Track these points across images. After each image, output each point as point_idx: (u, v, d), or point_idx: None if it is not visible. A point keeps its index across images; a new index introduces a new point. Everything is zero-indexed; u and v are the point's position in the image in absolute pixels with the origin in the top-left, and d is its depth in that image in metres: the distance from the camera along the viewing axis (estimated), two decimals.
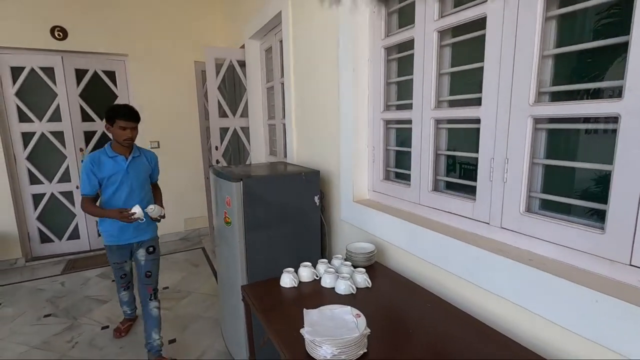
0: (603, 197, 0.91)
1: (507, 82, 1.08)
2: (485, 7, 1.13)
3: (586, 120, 0.96)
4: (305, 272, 1.42)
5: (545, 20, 0.99)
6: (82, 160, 1.58)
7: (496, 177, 1.15)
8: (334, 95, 1.90)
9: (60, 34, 3.50)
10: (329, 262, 1.52)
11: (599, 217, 0.95)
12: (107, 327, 2.53)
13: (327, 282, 1.37)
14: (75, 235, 3.93)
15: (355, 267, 1.48)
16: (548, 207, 1.08)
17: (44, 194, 3.74)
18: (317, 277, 1.43)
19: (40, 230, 3.78)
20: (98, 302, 2.89)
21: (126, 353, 2.22)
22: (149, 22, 3.84)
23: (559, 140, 1.11)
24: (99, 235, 4.03)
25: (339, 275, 1.36)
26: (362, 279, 1.35)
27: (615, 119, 0.87)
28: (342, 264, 1.46)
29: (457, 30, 1.32)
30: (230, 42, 3.89)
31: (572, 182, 1.10)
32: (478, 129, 1.21)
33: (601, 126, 0.95)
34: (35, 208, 3.73)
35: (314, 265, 1.48)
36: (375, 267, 1.54)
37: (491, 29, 1.12)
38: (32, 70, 3.52)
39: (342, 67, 1.78)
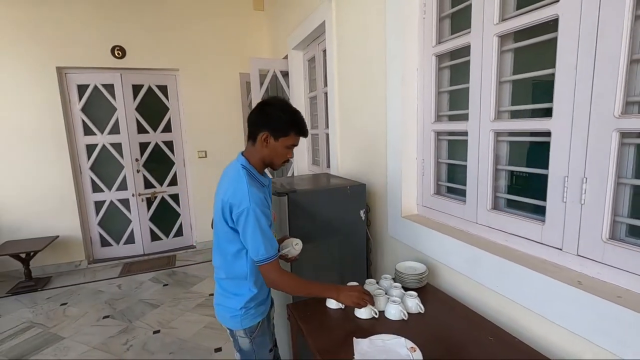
0: None
1: (585, 91, 0.95)
2: (557, 7, 1.00)
3: None
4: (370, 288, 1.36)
5: (635, 18, 0.86)
6: (247, 212, 1.15)
7: (571, 197, 1.01)
8: (381, 106, 1.83)
9: (120, 52, 3.77)
10: (377, 282, 1.44)
11: None
12: (159, 331, 2.64)
13: (376, 305, 1.29)
14: (130, 240, 4.18)
15: (405, 289, 1.39)
16: (638, 234, 0.93)
17: (104, 201, 4.03)
18: None
19: (100, 235, 4.07)
20: (150, 306, 3.03)
21: None
22: (199, 39, 4.02)
23: None
24: (152, 240, 4.25)
25: (389, 298, 1.28)
26: (414, 303, 1.26)
27: None
28: (392, 286, 1.38)
29: (520, 34, 1.20)
30: (274, 53, 3.96)
31: None
32: (546, 143, 1.08)
33: None
34: (97, 214, 4.02)
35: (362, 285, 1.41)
36: (427, 289, 1.44)
37: (565, 31, 0.99)
38: (95, 87, 3.82)
39: (390, 76, 1.70)
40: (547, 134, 1.07)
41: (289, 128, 1.24)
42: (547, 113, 1.08)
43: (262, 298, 1.34)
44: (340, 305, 1.31)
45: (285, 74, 3.51)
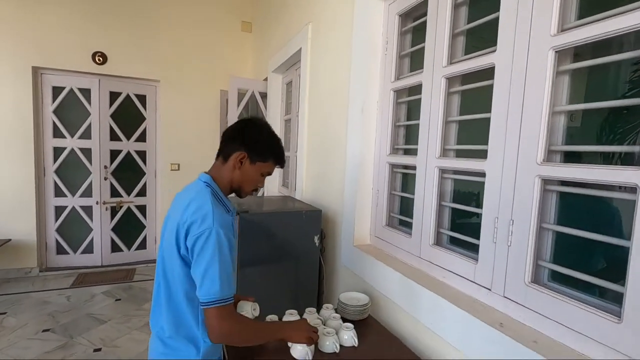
0: (622, 276, 0.78)
1: (514, 136, 0.99)
2: (494, 56, 1.06)
3: (604, 187, 0.84)
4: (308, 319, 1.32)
5: (556, 74, 0.91)
6: (207, 233, 0.95)
7: (500, 238, 1.03)
8: (342, 134, 1.86)
9: (101, 58, 3.75)
10: (318, 311, 1.41)
11: (617, 300, 0.81)
12: (100, 349, 2.49)
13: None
14: (89, 249, 4.01)
15: (346, 320, 1.37)
16: (560, 279, 0.95)
17: (65, 207, 3.88)
18: None
19: (57, 241, 3.89)
20: (97, 322, 2.86)
21: None
22: (183, 53, 4.05)
23: (575, 205, 0.99)
24: (111, 251, 4.09)
25: (324, 329, 1.25)
26: (349, 336, 1.23)
27: (633, 189, 0.75)
28: (331, 316, 1.35)
29: (467, 77, 1.26)
30: (256, 74, 4.02)
31: (589, 254, 0.97)
32: (483, 183, 1.11)
33: (618, 195, 0.83)
34: (56, 219, 3.86)
35: (300, 314, 1.37)
36: (368, 322, 1.41)
37: (499, 79, 1.05)
38: (71, 90, 3.77)
39: (351, 107, 1.74)
40: (484, 174, 1.11)
41: (270, 154, 1.12)
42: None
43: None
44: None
45: (264, 95, 3.56)
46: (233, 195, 1.20)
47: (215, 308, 0.94)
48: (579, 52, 0.92)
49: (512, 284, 1.00)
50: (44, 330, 2.69)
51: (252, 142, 1.10)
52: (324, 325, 1.30)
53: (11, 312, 2.97)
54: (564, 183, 0.93)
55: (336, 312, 1.42)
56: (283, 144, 1.20)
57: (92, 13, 3.68)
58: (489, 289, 1.07)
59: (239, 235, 1.64)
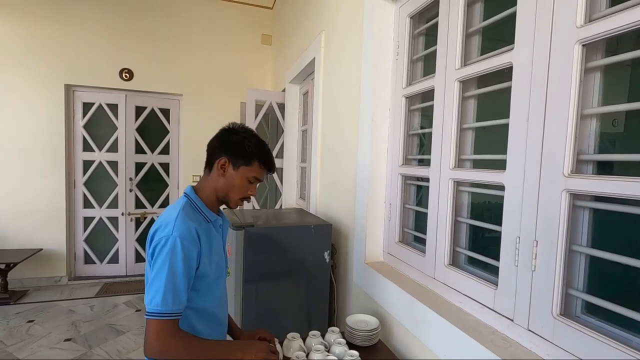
0: None
1: (536, 144, 0.86)
2: (512, 54, 0.95)
3: None
4: (293, 347, 1.22)
5: (584, 71, 0.78)
6: (164, 242, 0.92)
7: (522, 261, 0.90)
8: (353, 144, 1.77)
9: (127, 75, 3.90)
10: (323, 336, 1.30)
11: None
12: None
13: None
14: (114, 259, 4.11)
15: (353, 345, 1.26)
16: (596, 312, 0.80)
17: (93, 217, 4.01)
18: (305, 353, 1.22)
19: (85, 252, 4.02)
20: (116, 332, 2.89)
21: None
22: (206, 67, 4.14)
23: (612, 224, 0.84)
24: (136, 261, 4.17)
25: (327, 357, 1.14)
26: None
27: None
28: (336, 341, 1.25)
29: (484, 80, 1.14)
30: (275, 86, 4.03)
31: (632, 283, 0.82)
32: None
33: None
34: (84, 230, 3.99)
35: (304, 338, 1.27)
36: (376, 348, 1.29)
37: (518, 80, 0.92)
38: (100, 105, 3.93)
39: (362, 116, 1.65)
40: (503, 187, 0.98)
41: (253, 155, 1.05)
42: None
43: None
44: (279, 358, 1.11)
45: (282, 106, 3.54)
46: (239, 208, 1.13)
47: (156, 321, 0.88)
48: (614, 44, 0.78)
49: (537, 316, 0.86)
50: (65, 340, 2.75)
51: (233, 146, 1.06)
52: (328, 352, 1.20)
53: (38, 320, 3.06)
54: (598, 199, 0.79)
55: (343, 336, 1.31)
56: (270, 148, 1.13)
57: (119, 32, 3.85)
58: (511, 320, 0.93)
59: (244, 250, 1.57)
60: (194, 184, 1.12)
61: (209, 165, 1.09)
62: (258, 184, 1.14)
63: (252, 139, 1.08)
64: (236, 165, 1.05)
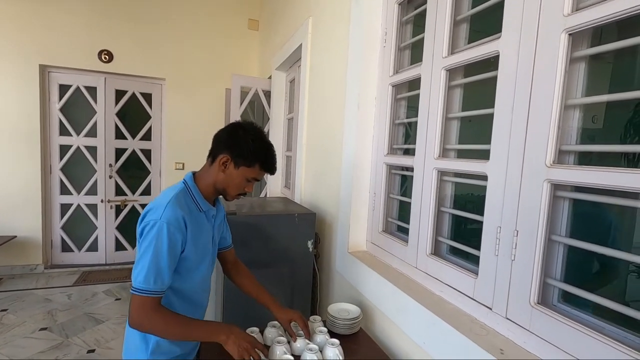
0: None
1: (519, 134, 0.86)
2: (498, 43, 0.93)
3: (628, 194, 0.71)
4: (270, 335, 1.21)
5: (570, 61, 0.78)
6: (152, 224, 0.96)
7: (502, 251, 0.90)
8: (339, 132, 1.75)
9: (107, 57, 3.75)
10: None
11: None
12: (94, 350, 2.44)
13: (294, 350, 1.15)
14: (93, 247, 4.01)
15: (334, 334, 1.25)
16: (573, 301, 0.81)
17: (71, 204, 3.89)
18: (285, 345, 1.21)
19: (62, 239, 3.90)
20: (94, 322, 2.83)
21: None
22: (190, 51, 4.01)
23: (591, 215, 0.85)
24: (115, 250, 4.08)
25: (307, 345, 1.14)
26: (334, 353, 1.12)
27: None
28: (317, 330, 1.24)
29: (471, 69, 1.13)
30: (261, 73, 3.95)
31: (608, 273, 0.83)
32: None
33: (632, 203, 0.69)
34: (62, 217, 3.87)
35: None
36: (358, 336, 1.30)
37: (504, 69, 0.92)
38: (77, 88, 3.77)
39: (348, 104, 1.63)
40: (486, 177, 0.98)
41: (255, 158, 1.07)
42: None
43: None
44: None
45: (268, 94, 3.48)
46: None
47: (138, 297, 0.94)
48: (601, 34, 0.78)
49: (515, 304, 0.87)
50: (40, 329, 2.67)
51: (238, 146, 1.07)
52: (308, 341, 1.19)
53: (12, 309, 2.97)
54: (578, 189, 0.79)
55: (325, 325, 1.31)
56: (275, 151, 1.15)
57: (98, 11, 3.68)
58: (490, 308, 0.94)
59: None
60: (177, 172, 1.12)
61: (212, 155, 1.12)
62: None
63: (259, 142, 1.09)
64: (237, 165, 1.07)
